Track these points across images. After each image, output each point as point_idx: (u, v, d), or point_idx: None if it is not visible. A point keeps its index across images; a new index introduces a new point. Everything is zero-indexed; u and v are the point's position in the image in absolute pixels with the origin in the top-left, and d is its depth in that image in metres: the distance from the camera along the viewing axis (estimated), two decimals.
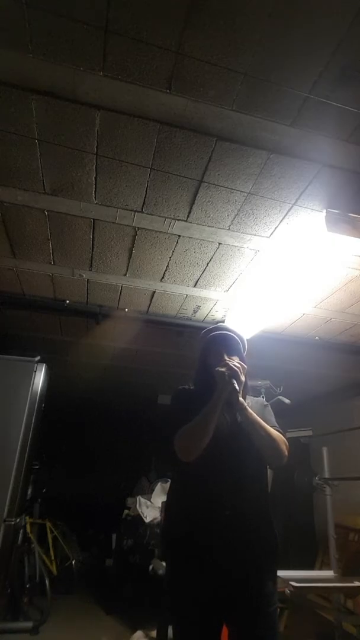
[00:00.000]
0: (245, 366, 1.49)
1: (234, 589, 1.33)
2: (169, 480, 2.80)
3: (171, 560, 1.46)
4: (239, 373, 1.43)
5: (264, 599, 1.33)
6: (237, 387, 1.39)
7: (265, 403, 1.67)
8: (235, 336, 1.60)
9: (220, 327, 1.66)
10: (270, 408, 1.64)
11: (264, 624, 1.31)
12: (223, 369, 1.43)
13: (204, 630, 1.32)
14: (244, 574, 1.33)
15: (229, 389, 1.40)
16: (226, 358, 1.51)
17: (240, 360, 1.53)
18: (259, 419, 1.43)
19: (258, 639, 1.30)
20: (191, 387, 1.66)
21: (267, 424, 1.47)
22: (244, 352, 1.62)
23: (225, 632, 1.37)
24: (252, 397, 1.66)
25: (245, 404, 1.43)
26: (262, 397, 3.42)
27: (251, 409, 1.46)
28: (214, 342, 1.60)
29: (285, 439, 1.46)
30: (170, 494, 1.58)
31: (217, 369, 1.45)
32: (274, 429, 1.48)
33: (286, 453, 1.44)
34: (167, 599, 1.43)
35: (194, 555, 1.34)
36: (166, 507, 1.57)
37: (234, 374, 1.42)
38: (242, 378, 1.44)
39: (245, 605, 1.32)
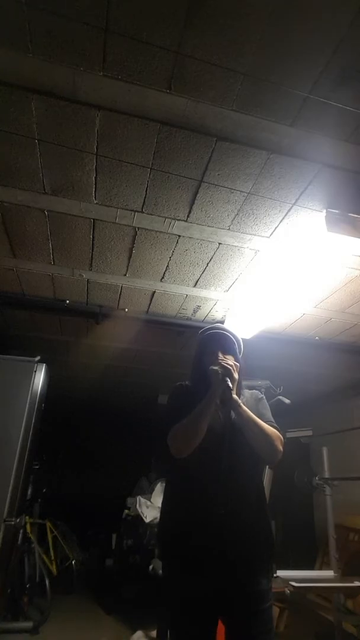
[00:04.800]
0: (239, 364, 1.51)
1: (230, 587, 1.33)
2: None
3: (167, 560, 1.47)
4: (232, 371, 1.44)
5: (258, 596, 1.34)
6: (230, 385, 1.41)
7: (260, 396, 1.67)
8: (230, 335, 1.62)
9: (216, 326, 1.69)
10: (265, 401, 1.64)
11: (260, 621, 1.32)
12: (216, 368, 1.45)
13: (201, 629, 1.33)
14: (239, 572, 1.34)
15: (222, 387, 1.41)
16: (220, 357, 1.52)
17: (234, 359, 1.55)
18: (253, 415, 1.44)
19: (254, 637, 1.31)
20: (188, 384, 1.67)
21: (262, 418, 1.48)
22: (240, 352, 1.63)
23: (221, 630, 1.37)
24: (246, 390, 1.67)
25: (239, 401, 1.44)
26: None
27: (246, 402, 1.48)
28: (209, 340, 1.62)
29: (280, 435, 1.47)
30: (165, 494, 1.58)
31: (210, 367, 1.47)
32: (269, 423, 1.48)
33: (280, 449, 1.44)
34: (165, 599, 1.43)
35: (190, 554, 1.34)
36: (162, 508, 1.57)
37: (227, 373, 1.43)
38: (236, 376, 1.46)
39: (241, 604, 1.33)
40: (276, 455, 1.44)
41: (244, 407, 1.44)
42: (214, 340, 1.61)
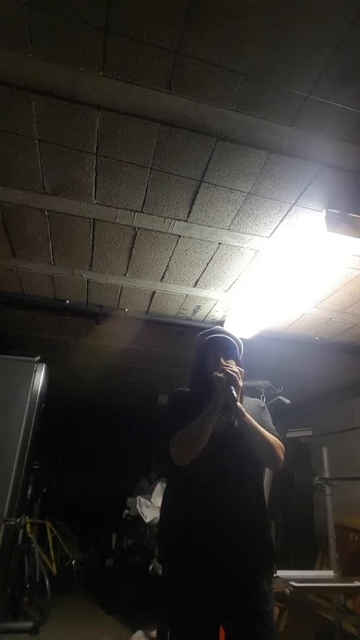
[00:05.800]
0: (243, 371, 1.49)
1: (230, 587, 1.33)
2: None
3: (167, 560, 1.46)
4: (237, 378, 1.43)
5: (259, 597, 1.34)
6: (235, 394, 1.39)
7: (263, 405, 1.66)
8: (232, 340, 1.60)
9: (217, 330, 1.66)
10: (267, 410, 1.64)
11: (261, 624, 1.31)
12: (221, 375, 1.43)
13: (202, 630, 1.32)
14: (239, 572, 1.34)
15: (227, 394, 1.40)
16: (224, 362, 1.50)
17: (237, 364, 1.54)
18: (256, 424, 1.43)
19: (255, 638, 1.30)
20: (187, 390, 1.65)
21: (264, 426, 1.48)
22: (240, 354, 1.62)
23: (222, 632, 1.37)
24: (249, 397, 1.66)
25: (243, 410, 1.43)
26: (262, 397, 3.42)
27: (248, 409, 1.47)
28: (211, 345, 1.59)
29: (281, 444, 1.47)
30: (166, 495, 1.58)
31: (215, 374, 1.45)
32: (271, 432, 1.48)
33: (282, 458, 1.45)
34: (165, 599, 1.43)
35: (190, 554, 1.34)
36: (162, 508, 1.57)
37: (232, 380, 1.41)
38: (240, 384, 1.44)
39: (241, 604, 1.33)
40: (277, 464, 1.45)
41: (248, 416, 1.43)
42: (216, 345, 1.58)
